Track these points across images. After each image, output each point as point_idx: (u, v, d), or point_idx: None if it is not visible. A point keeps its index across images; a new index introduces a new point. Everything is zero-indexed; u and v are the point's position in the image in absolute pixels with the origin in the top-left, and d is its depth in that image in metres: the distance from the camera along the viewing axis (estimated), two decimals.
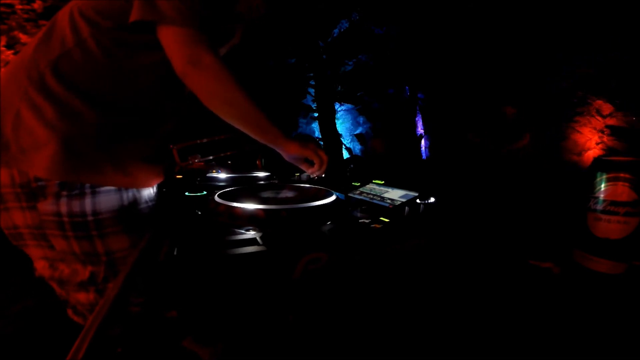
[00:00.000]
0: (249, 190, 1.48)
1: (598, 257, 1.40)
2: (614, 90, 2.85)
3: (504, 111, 3.24)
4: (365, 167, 3.60)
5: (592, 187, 1.45)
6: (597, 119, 2.96)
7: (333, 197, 1.32)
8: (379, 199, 1.41)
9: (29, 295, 1.47)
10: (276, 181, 2.00)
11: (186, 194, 1.59)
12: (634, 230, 1.35)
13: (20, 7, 3.08)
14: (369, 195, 1.47)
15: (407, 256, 1.11)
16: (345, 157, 5.56)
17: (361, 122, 5.86)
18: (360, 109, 5.71)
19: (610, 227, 1.38)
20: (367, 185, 1.61)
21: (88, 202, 0.66)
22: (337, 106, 5.69)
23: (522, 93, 3.36)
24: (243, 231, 1.09)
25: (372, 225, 1.15)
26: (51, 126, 0.62)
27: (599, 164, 1.45)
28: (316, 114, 5.67)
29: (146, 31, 0.67)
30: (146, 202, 0.78)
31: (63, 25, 0.67)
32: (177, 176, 1.72)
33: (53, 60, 0.64)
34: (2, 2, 3.00)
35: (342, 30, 5.19)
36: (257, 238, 1.03)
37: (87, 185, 0.66)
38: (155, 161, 0.77)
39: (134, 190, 0.74)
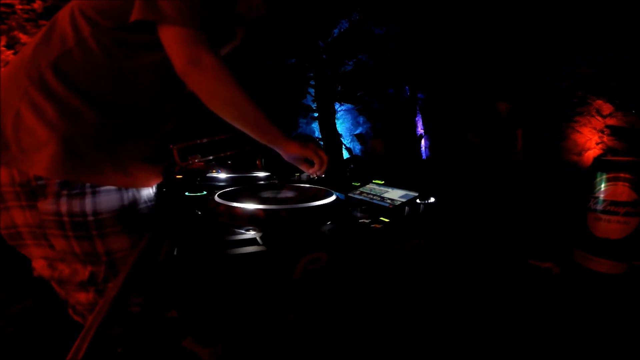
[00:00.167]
0: (249, 190, 1.48)
1: (598, 257, 1.40)
2: (614, 90, 2.85)
3: (497, 108, 3.24)
4: (365, 167, 3.60)
5: (592, 187, 1.45)
6: (597, 119, 2.96)
7: (333, 197, 1.32)
8: (379, 199, 1.41)
9: (29, 295, 1.47)
10: (276, 181, 2.00)
11: (186, 194, 1.59)
12: (634, 230, 1.35)
13: (20, 7, 3.08)
14: (369, 195, 1.47)
15: (407, 256, 1.10)
16: (345, 157, 5.56)
17: (361, 122, 5.86)
18: (360, 109, 5.71)
19: (610, 227, 1.38)
20: (367, 185, 1.61)
21: (88, 202, 0.66)
22: (337, 106, 5.69)
23: (521, 92, 3.36)
24: (243, 231, 1.09)
25: (372, 225, 1.15)
26: (52, 126, 0.62)
27: (599, 164, 1.45)
28: (316, 114, 5.67)
29: (146, 31, 0.67)
30: (146, 202, 0.78)
31: (63, 25, 0.67)
32: (177, 176, 1.72)
33: (53, 60, 0.64)
34: (2, 2, 3.00)
35: (342, 30, 5.19)
36: (257, 238, 1.03)
37: (88, 184, 0.66)
38: (155, 161, 0.77)
39: (134, 190, 0.74)
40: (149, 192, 0.79)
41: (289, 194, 1.46)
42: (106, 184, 0.68)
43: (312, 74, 5.42)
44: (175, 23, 0.65)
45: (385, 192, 1.46)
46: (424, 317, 1.12)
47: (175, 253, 0.90)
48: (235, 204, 1.16)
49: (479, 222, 1.88)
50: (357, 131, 5.89)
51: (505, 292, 1.30)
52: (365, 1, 4.77)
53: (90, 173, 0.66)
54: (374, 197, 1.44)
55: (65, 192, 0.64)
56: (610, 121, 2.89)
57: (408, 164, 4.46)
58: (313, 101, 5.67)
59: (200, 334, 0.99)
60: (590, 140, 3.00)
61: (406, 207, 1.28)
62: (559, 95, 3.13)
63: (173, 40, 0.67)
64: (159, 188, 0.85)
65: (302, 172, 0.99)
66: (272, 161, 2.28)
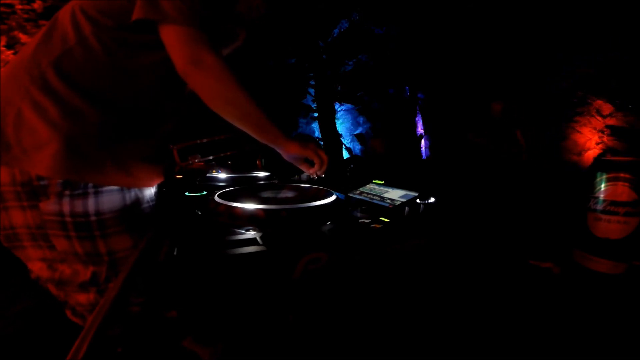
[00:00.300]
0: (249, 190, 1.48)
1: (598, 257, 1.40)
2: (614, 90, 2.85)
3: (492, 108, 3.24)
4: (365, 167, 3.59)
5: (592, 187, 1.45)
6: (597, 119, 2.96)
7: (333, 197, 1.32)
8: (379, 199, 1.41)
9: (29, 296, 1.47)
10: (276, 181, 2.00)
11: (186, 194, 1.59)
12: (634, 230, 1.35)
13: (20, 7, 3.08)
14: (369, 195, 1.47)
15: (407, 256, 1.10)
16: (345, 157, 5.56)
17: (361, 122, 5.86)
18: (360, 109, 5.71)
19: (610, 227, 1.38)
20: (367, 185, 1.61)
21: (91, 202, 0.66)
22: (337, 106, 5.69)
23: (519, 92, 3.36)
24: (243, 231, 1.09)
25: (372, 225, 1.15)
26: (54, 125, 0.62)
27: (599, 164, 1.45)
28: (316, 114, 5.67)
29: (147, 31, 0.67)
30: (148, 202, 0.78)
31: (64, 24, 0.67)
32: (177, 176, 1.72)
33: (54, 59, 0.64)
34: (2, 2, 3.00)
35: (342, 30, 5.19)
36: (257, 238, 1.03)
37: (90, 185, 0.66)
38: (156, 161, 0.78)
39: (136, 190, 0.74)
40: (150, 192, 0.80)
41: (289, 194, 1.46)
42: (108, 184, 0.68)
43: (312, 74, 5.42)
44: (176, 22, 0.65)
45: (385, 192, 1.45)
46: (424, 317, 1.12)
47: (175, 253, 0.90)
48: (235, 204, 1.16)
49: (479, 222, 1.88)
50: (357, 131, 5.89)
51: (505, 292, 1.30)
52: (365, 1, 4.77)
53: (92, 173, 0.66)
54: (374, 197, 1.44)
55: (67, 192, 0.64)
56: (610, 121, 2.89)
57: (408, 164, 4.46)
58: (313, 101, 5.67)
59: (200, 334, 0.99)
60: (590, 140, 3.00)
61: (406, 207, 1.28)
62: (559, 95, 3.14)
63: (174, 40, 0.67)
64: (159, 188, 0.85)
65: (302, 172, 0.99)
66: (272, 161, 2.28)
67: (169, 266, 0.85)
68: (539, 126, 3.28)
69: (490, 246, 1.61)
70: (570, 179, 2.87)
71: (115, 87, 0.68)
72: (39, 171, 0.62)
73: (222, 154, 1.85)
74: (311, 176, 0.99)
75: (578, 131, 3.07)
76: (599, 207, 1.40)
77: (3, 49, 3.04)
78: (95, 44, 0.65)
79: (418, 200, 1.30)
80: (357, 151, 5.86)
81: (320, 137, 5.51)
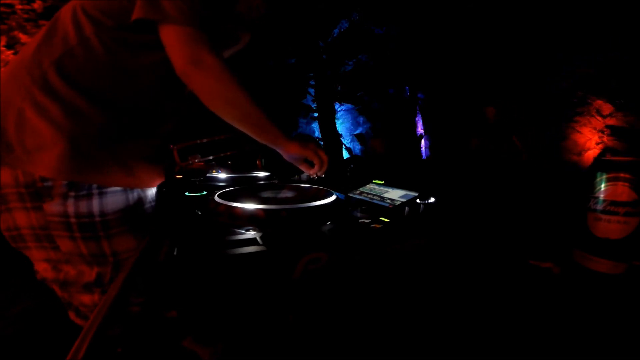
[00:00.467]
0: (249, 190, 1.48)
1: (598, 257, 1.40)
2: (614, 90, 2.85)
3: (485, 113, 3.25)
4: (365, 167, 3.59)
5: (592, 187, 1.45)
6: (597, 119, 2.96)
7: (333, 197, 1.32)
8: (379, 199, 1.41)
9: (28, 297, 1.47)
10: (276, 181, 2.00)
11: (186, 194, 1.59)
12: (634, 230, 1.35)
13: (20, 7, 3.08)
14: (369, 195, 1.47)
15: (407, 256, 1.10)
16: (345, 157, 5.56)
17: (361, 122, 5.86)
18: (360, 109, 5.71)
19: (610, 227, 1.37)
20: (367, 185, 1.61)
21: (95, 203, 0.66)
22: (337, 106, 5.69)
23: (515, 94, 3.36)
24: (243, 231, 1.09)
25: (372, 225, 1.15)
26: (57, 125, 0.61)
27: (599, 164, 1.45)
28: (316, 114, 5.66)
29: (147, 31, 0.67)
30: (150, 202, 0.78)
31: (66, 24, 0.67)
32: (177, 176, 1.72)
33: (56, 59, 0.64)
34: (2, 2, 3.00)
35: (342, 30, 5.19)
36: (257, 238, 1.03)
37: (95, 185, 0.66)
38: (157, 161, 0.78)
39: (139, 190, 0.74)
40: (152, 192, 0.80)
41: (289, 194, 1.46)
42: (111, 185, 0.68)
43: (312, 74, 5.41)
44: (176, 22, 0.65)
45: (385, 192, 1.45)
46: (424, 317, 1.12)
47: (175, 253, 0.90)
48: (235, 204, 1.16)
49: (479, 222, 1.88)
50: (357, 131, 5.89)
51: (505, 292, 1.30)
52: (365, 1, 4.77)
53: (96, 174, 0.66)
54: (374, 197, 1.44)
55: (72, 193, 0.64)
56: (610, 121, 2.89)
57: (408, 164, 4.46)
58: (313, 101, 5.67)
59: (200, 334, 0.99)
60: (590, 140, 3.00)
61: (406, 207, 1.28)
62: (559, 95, 3.13)
63: (174, 40, 0.67)
64: (159, 188, 0.85)
65: (302, 172, 1.00)
66: (272, 161, 2.28)
67: (169, 266, 0.85)
68: (539, 126, 3.28)
69: (490, 246, 1.61)
70: (570, 179, 2.87)
71: (116, 87, 0.68)
72: (43, 172, 0.62)
73: (222, 154, 1.84)
74: (311, 176, 0.99)
75: (578, 131, 3.07)
76: (599, 207, 1.40)
77: (3, 49, 3.04)
78: (96, 44, 0.65)
79: (418, 200, 1.30)
80: (357, 151, 5.86)
81: (320, 137, 5.51)
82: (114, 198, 0.69)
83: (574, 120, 3.09)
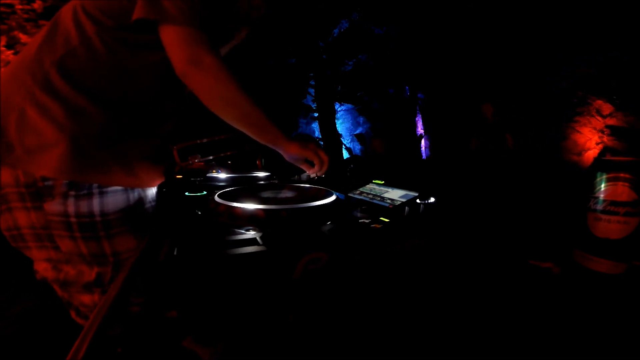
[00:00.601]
0: (249, 190, 1.48)
1: (598, 257, 1.40)
2: (614, 90, 2.85)
3: (483, 110, 3.24)
4: (365, 167, 3.59)
5: (592, 187, 1.45)
6: (597, 119, 2.96)
7: (333, 197, 1.32)
8: (379, 199, 1.41)
9: (28, 297, 1.47)
10: (276, 181, 2.00)
11: (186, 194, 1.59)
12: (634, 230, 1.35)
13: (20, 7, 3.08)
14: (369, 195, 1.47)
15: (407, 256, 1.10)
16: (345, 157, 5.56)
17: (361, 122, 5.86)
18: (360, 109, 5.71)
19: (610, 227, 1.38)
20: (367, 185, 1.61)
21: (96, 203, 0.66)
22: (337, 106, 5.69)
23: (513, 93, 3.36)
24: (243, 231, 1.09)
25: (372, 225, 1.15)
26: (59, 125, 0.61)
27: (599, 164, 1.45)
28: (316, 114, 5.66)
29: (148, 31, 0.67)
30: (151, 202, 0.78)
31: (67, 23, 0.67)
32: (177, 176, 1.72)
33: (57, 59, 0.64)
34: (2, 2, 3.00)
35: (342, 30, 5.19)
36: (257, 238, 1.03)
37: (95, 185, 0.66)
38: (157, 161, 0.78)
39: (139, 190, 0.74)
40: (152, 192, 0.80)
41: (289, 194, 1.46)
42: (113, 184, 0.68)
43: (312, 74, 5.42)
44: (176, 22, 0.65)
45: (385, 192, 1.45)
46: (424, 317, 1.12)
47: (175, 253, 0.90)
48: (235, 204, 1.16)
49: (479, 222, 1.88)
50: (357, 131, 5.89)
51: (505, 292, 1.30)
52: (365, 1, 4.77)
53: (97, 173, 0.66)
54: (374, 197, 1.44)
55: (72, 192, 0.64)
56: (610, 121, 2.89)
57: (408, 164, 4.46)
58: (313, 101, 5.67)
59: (200, 334, 0.99)
60: (590, 140, 3.00)
61: (406, 207, 1.28)
62: (559, 95, 3.13)
63: (173, 40, 0.67)
64: (159, 188, 0.85)
65: (302, 172, 0.99)
66: (272, 161, 2.28)
67: (169, 266, 0.85)
68: (539, 126, 3.28)
69: (490, 246, 1.61)
70: (570, 179, 2.87)
71: (117, 87, 0.68)
72: (44, 172, 0.62)
73: (222, 154, 1.84)
74: (311, 176, 0.99)
75: (578, 131, 3.07)
76: (599, 207, 1.40)
77: (3, 49, 3.04)
78: (98, 44, 0.65)
79: (418, 200, 1.30)
80: (357, 151, 5.86)
81: (320, 137, 5.51)
82: (115, 198, 0.69)
83: (574, 120, 3.08)
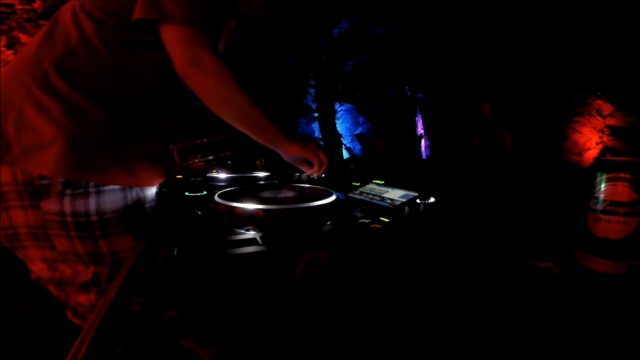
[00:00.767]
0: (249, 190, 1.48)
1: (598, 257, 1.40)
2: (614, 90, 2.85)
3: (482, 109, 3.24)
4: (365, 167, 3.60)
5: (592, 187, 1.45)
6: (597, 119, 2.96)
7: (333, 197, 1.32)
8: (379, 199, 1.41)
9: (28, 297, 1.47)
10: (276, 181, 2.00)
11: (186, 194, 1.59)
12: (634, 230, 1.35)
13: (20, 7, 3.08)
14: (369, 195, 1.47)
15: (407, 256, 1.10)
16: (345, 157, 5.56)
17: (361, 122, 5.86)
18: (360, 109, 5.71)
19: (610, 227, 1.37)
20: (367, 185, 1.61)
21: (92, 202, 0.66)
22: (337, 106, 5.69)
23: (511, 92, 3.36)
24: (243, 231, 1.09)
25: (372, 225, 1.15)
26: (57, 124, 0.61)
27: (599, 164, 1.45)
28: (316, 114, 5.66)
29: (148, 31, 0.67)
30: (150, 202, 0.78)
31: (66, 23, 0.67)
32: (177, 176, 1.72)
33: (57, 58, 0.64)
34: (2, 2, 3.00)
35: (342, 30, 5.19)
36: (257, 238, 1.03)
37: (92, 184, 0.66)
38: (158, 160, 0.78)
39: (138, 189, 0.74)
40: (152, 191, 0.80)
41: (289, 194, 1.46)
42: (111, 183, 0.68)
43: (312, 74, 5.42)
44: (176, 22, 0.65)
45: (385, 192, 1.45)
46: (424, 317, 1.12)
47: (175, 253, 0.90)
48: (235, 204, 1.16)
49: (479, 222, 1.88)
50: (357, 131, 5.89)
51: (505, 292, 1.30)
52: (365, 1, 4.77)
53: (95, 172, 0.65)
54: (374, 197, 1.44)
55: (69, 191, 0.64)
56: (610, 121, 2.89)
57: (408, 164, 4.46)
58: (313, 101, 5.67)
59: (200, 334, 0.99)
60: (590, 140, 3.00)
61: (406, 207, 1.28)
62: (559, 95, 3.13)
63: (174, 40, 0.67)
64: (159, 188, 0.85)
65: (302, 172, 1.00)
66: (272, 161, 2.28)
67: (169, 266, 0.85)
68: (539, 126, 3.28)
69: (490, 246, 1.61)
70: (570, 179, 2.87)
71: (117, 87, 0.68)
72: (41, 171, 0.62)
73: (222, 154, 1.85)
74: (311, 176, 0.99)
75: (578, 131, 3.07)
76: (599, 207, 1.40)
77: (3, 49, 3.04)
78: (97, 43, 0.65)
79: (418, 200, 1.31)
80: (357, 151, 5.85)
81: (320, 137, 5.51)
82: (112, 197, 0.68)
83: (574, 120, 3.08)
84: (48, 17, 0.78)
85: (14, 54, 3.05)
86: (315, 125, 5.87)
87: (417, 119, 4.98)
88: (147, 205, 0.77)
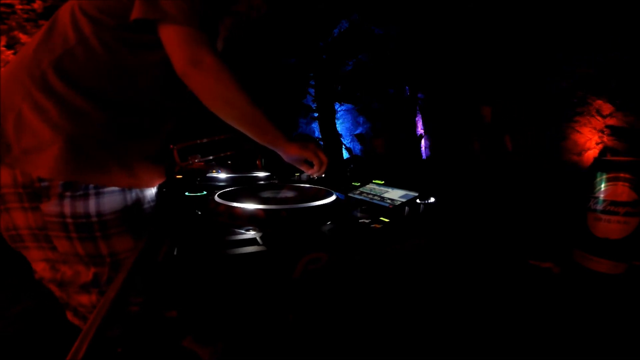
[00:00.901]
0: (249, 190, 1.48)
1: (598, 257, 1.40)
2: (614, 90, 2.85)
3: (482, 112, 3.24)
4: (365, 167, 3.60)
5: (592, 187, 1.45)
6: (597, 119, 2.96)
7: (333, 197, 1.32)
8: (379, 199, 1.41)
9: (28, 297, 1.47)
10: (276, 181, 2.00)
11: (186, 194, 1.59)
12: (634, 230, 1.35)
13: (20, 7, 3.08)
14: (369, 195, 1.47)
15: (407, 256, 1.10)
16: (345, 157, 5.56)
17: (361, 122, 5.86)
18: (360, 109, 5.71)
19: (610, 227, 1.38)
20: (367, 185, 1.61)
21: (92, 203, 0.66)
22: (337, 106, 5.69)
23: (511, 94, 3.36)
24: (243, 231, 1.09)
25: (372, 225, 1.15)
26: (55, 126, 0.61)
27: (599, 164, 1.45)
28: (316, 114, 5.66)
29: (147, 30, 0.67)
30: (149, 202, 0.78)
31: (64, 24, 0.67)
32: (177, 176, 1.72)
33: (55, 59, 0.64)
34: (2, 2, 3.00)
35: (342, 30, 5.19)
36: (257, 238, 1.03)
37: (91, 185, 0.66)
38: (158, 161, 0.78)
39: (137, 190, 0.74)
40: (151, 192, 0.80)
41: (289, 194, 1.46)
42: (111, 185, 0.68)
43: (312, 74, 5.42)
44: (176, 22, 0.65)
45: (385, 192, 1.46)
46: (424, 317, 1.12)
47: (175, 253, 0.90)
48: (235, 204, 1.16)
49: (479, 222, 1.88)
50: (357, 131, 5.89)
51: (505, 292, 1.30)
52: (365, 1, 4.77)
53: (95, 174, 0.65)
54: (374, 197, 1.44)
55: (68, 193, 0.64)
56: (610, 121, 2.89)
57: (408, 164, 4.46)
58: (313, 101, 5.67)
59: (200, 334, 0.99)
60: (590, 140, 3.00)
61: (406, 207, 1.28)
62: (559, 95, 3.13)
63: (173, 40, 0.66)
64: (159, 188, 0.85)
65: (302, 172, 1.00)
66: (272, 161, 2.28)
67: (169, 266, 0.85)
68: (539, 126, 3.28)
69: (490, 246, 1.61)
70: (570, 179, 2.87)
71: (117, 87, 0.68)
72: (40, 173, 0.62)
73: (222, 154, 1.85)
74: (311, 176, 0.99)
75: (578, 131, 3.07)
76: (599, 207, 1.40)
77: (3, 49, 3.04)
78: (96, 43, 0.65)
79: (418, 200, 1.30)
80: (357, 151, 5.85)
81: (320, 137, 5.51)
82: (111, 198, 0.68)
83: (574, 120, 3.08)
84: (48, 17, 0.78)
85: (14, 54, 3.05)
86: (315, 125, 5.87)
87: (417, 119, 4.98)
88: (147, 205, 0.77)
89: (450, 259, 1.28)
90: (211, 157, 1.77)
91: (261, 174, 2.12)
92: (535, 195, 2.68)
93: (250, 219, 1.11)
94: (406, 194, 1.36)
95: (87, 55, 0.65)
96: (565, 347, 1.03)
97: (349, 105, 5.80)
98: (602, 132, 2.95)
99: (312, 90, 5.60)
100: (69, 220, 0.65)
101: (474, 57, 3.74)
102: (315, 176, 0.97)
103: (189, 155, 1.70)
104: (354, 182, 1.80)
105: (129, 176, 0.70)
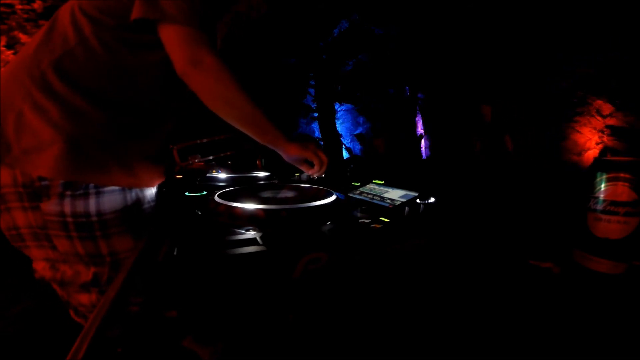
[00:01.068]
0: (249, 190, 1.48)
1: (598, 257, 1.40)
2: (614, 90, 2.85)
3: (482, 112, 3.24)
4: (365, 167, 3.60)
5: (592, 187, 1.45)
6: (597, 119, 2.96)
7: (333, 197, 1.32)
8: (379, 199, 1.41)
9: (29, 297, 1.47)
10: (276, 181, 2.00)
11: (186, 194, 1.59)
12: (634, 230, 1.35)
13: (20, 7, 3.08)
14: (369, 195, 1.47)
15: (407, 256, 1.10)
16: (345, 157, 5.56)
17: (361, 122, 5.85)
18: (360, 109, 5.71)
19: (610, 227, 1.38)
20: (367, 185, 1.61)
21: (92, 203, 0.66)
22: (337, 106, 5.69)
23: (511, 94, 3.36)
24: (243, 231, 1.09)
25: (372, 225, 1.15)
26: (55, 126, 0.61)
27: (599, 164, 1.45)
28: (316, 114, 5.67)
29: (147, 30, 0.67)
30: (149, 202, 0.78)
31: (64, 24, 0.67)
32: (177, 176, 1.72)
33: (55, 59, 0.64)
34: (2, 2, 3.00)
35: (342, 30, 5.19)
36: (257, 238, 1.03)
37: (92, 185, 0.66)
38: (158, 161, 0.78)
39: (137, 190, 0.74)
40: (151, 192, 0.80)
41: (289, 194, 1.46)
42: (111, 184, 0.68)
43: (312, 74, 5.42)
44: (176, 22, 0.65)
45: (385, 192, 1.46)
46: (424, 317, 1.12)
47: (175, 253, 0.90)
48: (235, 204, 1.16)
49: (479, 222, 1.88)
50: (357, 131, 5.89)
51: (505, 292, 1.30)
52: (365, 1, 4.77)
53: (95, 173, 0.66)
54: (374, 197, 1.44)
55: (69, 192, 0.64)
56: (610, 121, 2.89)
57: (408, 164, 4.46)
58: (313, 101, 5.67)
59: (200, 334, 0.99)
60: (590, 140, 3.00)
61: (406, 207, 1.28)
62: (559, 95, 3.13)
63: (174, 40, 0.66)
64: (159, 188, 0.85)
65: (302, 172, 1.00)
66: (272, 161, 2.28)
67: (169, 266, 0.85)
68: (539, 126, 3.28)
69: (490, 246, 1.61)
70: (570, 179, 2.87)
71: (117, 87, 0.68)
72: (41, 172, 0.62)
73: (222, 154, 1.85)
74: (311, 176, 0.99)
75: (578, 131, 3.07)
76: (599, 207, 1.40)
77: (3, 49, 3.04)
78: (96, 44, 0.65)
79: (418, 200, 1.31)
80: (357, 151, 5.85)
81: (320, 137, 5.51)
82: (111, 197, 0.69)
83: (574, 120, 3.08)
84: (48, 17, 0.78)
85: (14, 54, 3.05)
86: (315, 125, 5.87)
87: (417, 119, 4.98)
88: (147, 205, 0.77)
89: (450, 259, 1.28)
90: (211, 157, 1.77)
91: (261, 174, 2.12)
92: (535, 195, 2.68)
93: (250, 219, 1.11)
94: (406, 194, 1.36)
95: (87, 56, 0.65)
96: (565, 347, 1.03)
97: (349, 105, 5.80)
98: (602, 132, 2.95)
99: (312, 90, 5.60)
100: (69, 219, 0.66)
101: (474, 57, 3.74)
102: (315, 176, 0.97)
103: (189, 155, 1.70)
104: (354, 182, 1.80)
105: (129, 176, 0.70)
